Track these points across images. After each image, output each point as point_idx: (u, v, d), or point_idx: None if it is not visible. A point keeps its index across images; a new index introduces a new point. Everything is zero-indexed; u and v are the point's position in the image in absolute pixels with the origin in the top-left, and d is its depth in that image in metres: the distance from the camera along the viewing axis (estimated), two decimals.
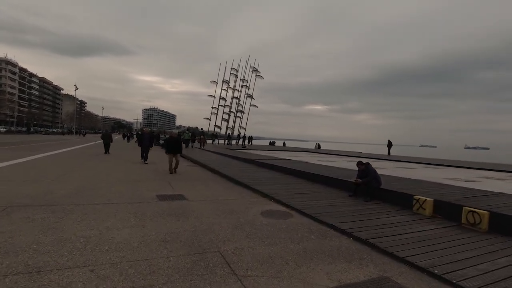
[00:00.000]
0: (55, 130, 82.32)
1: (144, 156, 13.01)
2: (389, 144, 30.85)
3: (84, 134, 62.60)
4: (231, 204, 5.96)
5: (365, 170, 6.76)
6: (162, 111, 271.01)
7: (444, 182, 8.62)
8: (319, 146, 42.30)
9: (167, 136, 15.14)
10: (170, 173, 9.73)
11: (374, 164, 17.88)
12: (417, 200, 5.61)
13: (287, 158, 16.90)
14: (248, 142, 39.83)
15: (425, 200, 5.47)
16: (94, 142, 31.59)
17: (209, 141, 36.58)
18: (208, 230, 4.20)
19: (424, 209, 5.45)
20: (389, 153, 31.03)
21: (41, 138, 40.04)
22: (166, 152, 9.93)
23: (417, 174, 10.92)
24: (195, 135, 28.02)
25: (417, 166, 14.88)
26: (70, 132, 69.77)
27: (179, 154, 10.04)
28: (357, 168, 7.00)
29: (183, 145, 31.00)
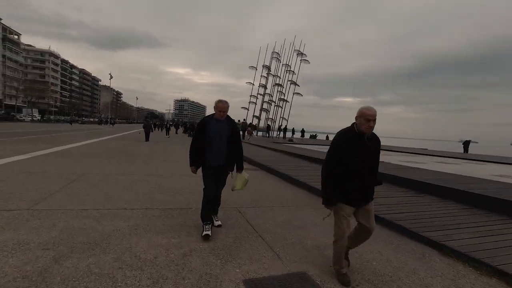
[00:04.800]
0: (91, 120, 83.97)
1: (213, 198, 3.50)
2: (467, 143, 27.27)
3: (113, 124, 59.39)
4: None
5: None
6: (193, 102, 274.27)
7: None
8: None
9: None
10: (346, 262, 2.72)
11: (487, 167, 12.88)
12: None
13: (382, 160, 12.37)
14: (292, 135, 35.49)
15: None
16: (126, 133, 29.20)
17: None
18: None
19: None
20: (467, 151, 26.56)
21: (73, 127, 39.04)
22: (346, 202, 2.49)
23: None
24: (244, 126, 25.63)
25: None
26: (101, 122, 68.26)
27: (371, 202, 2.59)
28: None
29: None
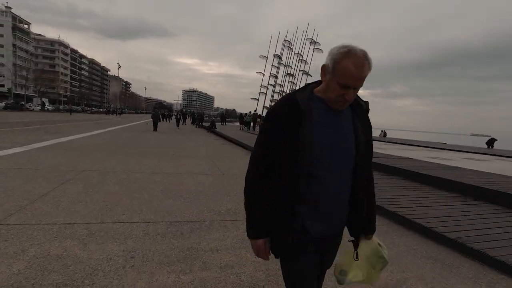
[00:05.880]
0: (100, 110, 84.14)
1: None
2: (492, 141, 26.37)
3: (120, 114, 58.37)
4: None
5: None
6: (201, 92, 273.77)
7: None
8: (384, 134, 35.56)
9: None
10: None
11: None
12: None
13: (405, 156, 11.34)
14: None
15: None
16: (134, 123, 28.66)
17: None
18: None
19: None
20: (492, 147, 25.61)
21: (80, 117, 38.85)
22: None
23: None
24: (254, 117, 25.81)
25: None
26: (108, 112, 67.81)
27: None
28: None
29: (245, 127, 25.32)
